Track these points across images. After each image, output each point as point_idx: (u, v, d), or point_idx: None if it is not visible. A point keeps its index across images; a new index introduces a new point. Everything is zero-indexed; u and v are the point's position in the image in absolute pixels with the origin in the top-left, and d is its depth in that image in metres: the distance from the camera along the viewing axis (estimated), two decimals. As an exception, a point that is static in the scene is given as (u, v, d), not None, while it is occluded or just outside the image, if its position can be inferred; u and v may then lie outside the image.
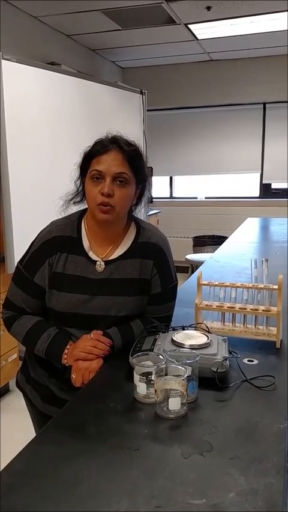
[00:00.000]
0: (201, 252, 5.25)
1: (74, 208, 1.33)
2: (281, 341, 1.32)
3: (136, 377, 1.03)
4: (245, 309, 1.34)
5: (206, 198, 6.13)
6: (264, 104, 5.52)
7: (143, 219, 1.40)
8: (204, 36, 4.45)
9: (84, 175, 1.26)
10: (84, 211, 1.33)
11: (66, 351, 1.22)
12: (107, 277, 1.27)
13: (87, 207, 1.29)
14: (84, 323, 1.25)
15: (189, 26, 4.12)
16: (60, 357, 1.22)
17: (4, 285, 2.78)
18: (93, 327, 1.24)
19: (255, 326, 1.35)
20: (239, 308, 1.35)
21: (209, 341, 1.16)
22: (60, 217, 1.34)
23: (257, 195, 5.90)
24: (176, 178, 6.31)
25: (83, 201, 1.30)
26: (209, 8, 3.66)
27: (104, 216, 1.21)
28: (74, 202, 1.32)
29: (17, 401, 2.77)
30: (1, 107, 2.78)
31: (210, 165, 5.89)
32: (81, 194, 1.30)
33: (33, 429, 1.42)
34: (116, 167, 1.20)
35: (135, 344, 1.19)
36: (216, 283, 1.41)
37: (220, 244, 3.05)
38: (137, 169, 1.24)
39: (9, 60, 2.83)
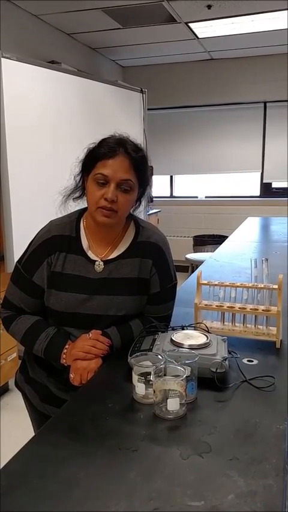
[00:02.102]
0: (201, 252, 5.24)
1: (73, 205, 1.32)
2: (280, 341, 1.32)
3: (135, 377, 1.02)
4: (245, 308, 1.34)
5: (206, 197, 6.12)
6: (265, 103, 5.51)
7: (143, 218, 1.40)
8: (204, 35, 4.45)
9: (87, 173, 1.24)
10: (83, 210, 1.32)
11: (65, 350, 1.21)
12: (106, 276, 1.26)
13: (86, 205, 1.28)
14: (83, 322, 1.25)
15: (190, 24, 4.11)
16: (59, 357, 1.22)
17: (3, 284, 2.77)
18: (92, 327, 1.24)
19: (255, 326, 1.35)
20: (239, 308, 1.35)
21: (208, 341, 1.16)
22: (59, 215, 1.33)
23: (258, 194, 5.89)
24: (176, 177, 6.30)
25: (82, 197, 1.29)
26: (209, 7, 3.66)
27: (106, 219, 1.20)
28: (73, 198, 1.30)
29: (16, 400, 2.77)
30: (1, 105, 2.77)
31: (211, 164, 5.88)
32: (80, 190, 1.29)
33: (32, 429, 1.41)
34: (122, 174, 1.18)
35: (134, 343, 1.19)
36: (216, 282, 1.40)
37: (220, 244, 3.05)
38: (141, 175, 1.23)
39: (9, 58, 2.82)
